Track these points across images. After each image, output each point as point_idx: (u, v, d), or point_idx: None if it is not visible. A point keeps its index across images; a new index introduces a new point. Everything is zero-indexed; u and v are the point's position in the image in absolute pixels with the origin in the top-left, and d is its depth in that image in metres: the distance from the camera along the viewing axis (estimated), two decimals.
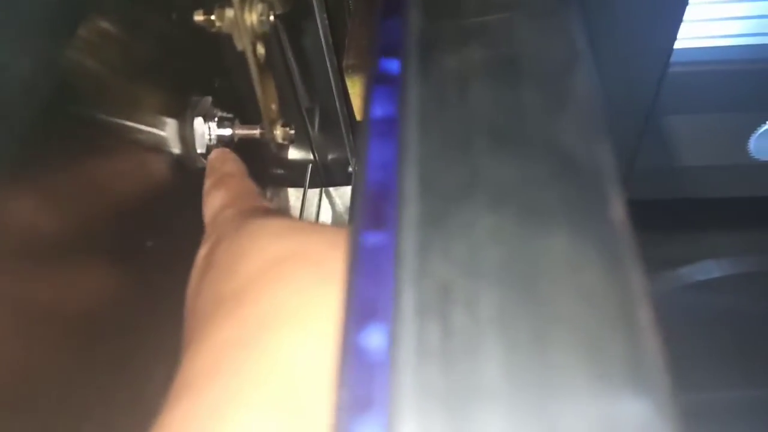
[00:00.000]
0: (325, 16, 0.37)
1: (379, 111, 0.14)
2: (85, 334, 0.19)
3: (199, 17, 0.22)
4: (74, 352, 0.19)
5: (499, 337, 0.10)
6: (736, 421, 0.49)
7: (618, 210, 0.11)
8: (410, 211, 0.11)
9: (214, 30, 0.22)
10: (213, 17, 0.22)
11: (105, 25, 0.20)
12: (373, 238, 0.12)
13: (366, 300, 0.11)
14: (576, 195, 0.11)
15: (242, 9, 0.21)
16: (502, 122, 0.12)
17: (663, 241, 0.57)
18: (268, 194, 0.40)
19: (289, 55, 0.38)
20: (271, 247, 0.16)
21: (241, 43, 0.22)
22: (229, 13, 0.21)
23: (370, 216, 0.12)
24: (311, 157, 0.45)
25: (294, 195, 0.45)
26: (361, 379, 0.11)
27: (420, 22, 0.15)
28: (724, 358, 0.51)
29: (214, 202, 0.22)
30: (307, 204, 0.45)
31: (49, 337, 0.18)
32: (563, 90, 0.12)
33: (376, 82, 0.14)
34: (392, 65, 0.15)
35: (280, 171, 0.44)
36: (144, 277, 0.23)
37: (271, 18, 0.22)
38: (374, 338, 0.11)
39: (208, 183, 0.24)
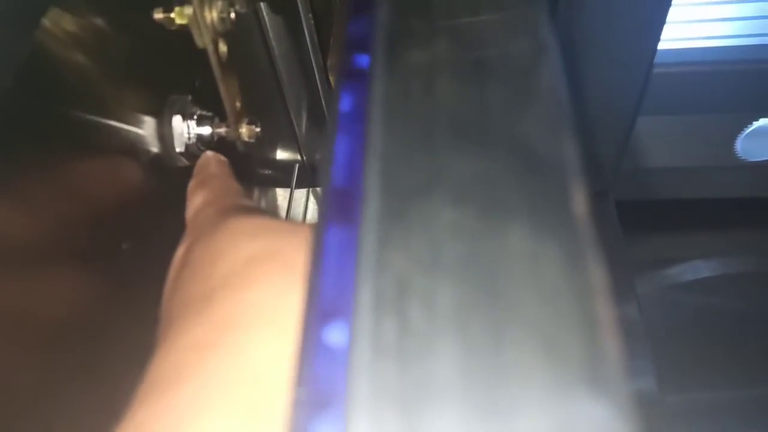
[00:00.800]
0: (310, 15, 0.37)
1: (346, 106, 0.14)
2: (57, 336, 0.19)
3: (158, 15, 0.22)
4: (45, 354, 0.18)
5: (456, 334, 0.10)
6: (724, 421, 0.49)
7: (580, 205, 0.11)
8: (372, 206, 0.11)
9: (174, 28, 0.22)
10: (172, 15, 0.22)
11: (76, 19, 0.20)
12: (337, 234, 0.12)
13: (327, 296, 0.11)
14: (538, 190, 0.11)
15: (201, 7, 0.21)
16: (466, 118, 0.12)
17: (651, 241, 0.57)
18: (256, 194, 0.40)
19: (275, 54, 0.38)
20: (246, 247, 0.16)
21: (202, 41, 0.22)
22: (189, 10, 0.21)
23: (335, 212, 0.12)
24: (298, 157, 0.45)
25: (281, 195, 0.45)
26: (320, 376, 0.11)
27: (389, 18, 0.15)
28: (712, 358, 0.51)
29: (195, 201, 0.22)
30: (294, 204, 0.45)
31: (19, 340, 0.17)
32: (528, 86, 0.12)
33: (345, 78, 0.14)
34: (361, 61, 0.15)
35: (267, 171, 0.43)
36: (119, 279, 0.22)
37: (232, 15, 0.22)
38: (334, 335, 0.11)
39: (192, 183, 0.24)
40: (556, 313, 0.10)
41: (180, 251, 0.20)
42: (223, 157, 0.25)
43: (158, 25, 0.24)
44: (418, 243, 0.11)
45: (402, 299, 0.10)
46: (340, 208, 0.12)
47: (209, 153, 0.25)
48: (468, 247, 0.10)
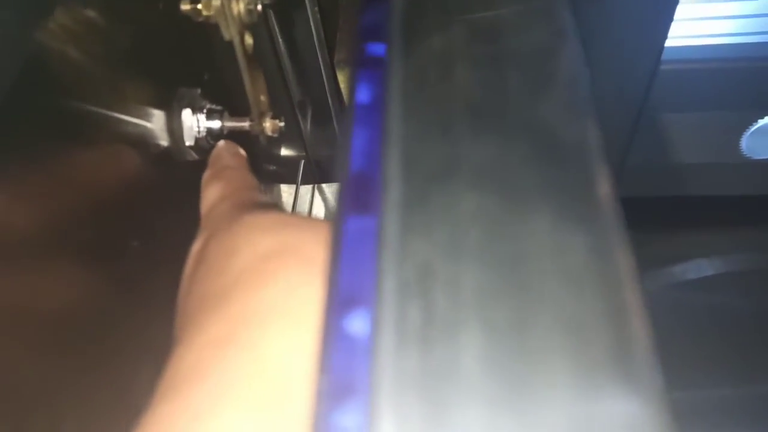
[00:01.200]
0: (316, 9, 0.37)
1: (363, 94, 0.14)
2: (66, 335, 0.19)
3: (185, 6, 0.22)
4: (54, 353, 0.18)
5: (480, 321, 0.09)
6: (727, 419, 0.49)
7: (604, 189, 0.10)
8: (392, 193, 0.11)
9: (200, 19, 0.22)
10: (199, 6, 0.22)
11: (85, 10, 0.19)
12: (357, 223, 0.12)
13: (349, 285, 0.11)
14: (560, 174, 0.11)
15: None
16: (485, 103, 0.12)
17: (655, 239, 0.57)
18: (262, 189, 0.39)
19: (281, 49, 0.38)
20: (262, 243, 0.16)
21: (229, 33, 0.22)
22: (216, 2, 0.21)
23: (354, 200, 0.12)
24: (303, 152, 0.45)
25: (286, 191, 0.45)
26: (343, 365, 0.10)
27: (405, 6, 0.14)
28: (715, 356, 0.51)
29: (210, 195, 0.22)
30: (299, 201, 0.45)
31: (28, 338, 0.17)
32: (548, 71, 0.12)
33: (360, 66, 0.14)
34: (376, 49, 0.14)
35: (272, 167, 0.43)
36: (130, 276, 0.22)
37: (259, 7, 0.22)
38: (357, 323, 0.11)
39: (207, 174, 0.23)
40: (582, 300, 0.10)
41: (196, 246, 0.19)
42: (238, 147, 0.25)
43: (165, 17, 0.23)
44: (441, 230, 0.11)
45: (426, 286, 0.10)
46: (359, 196, 0.12)
47: (222, 143, 0.25)
48: (491, 233, 0.10)
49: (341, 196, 0.12)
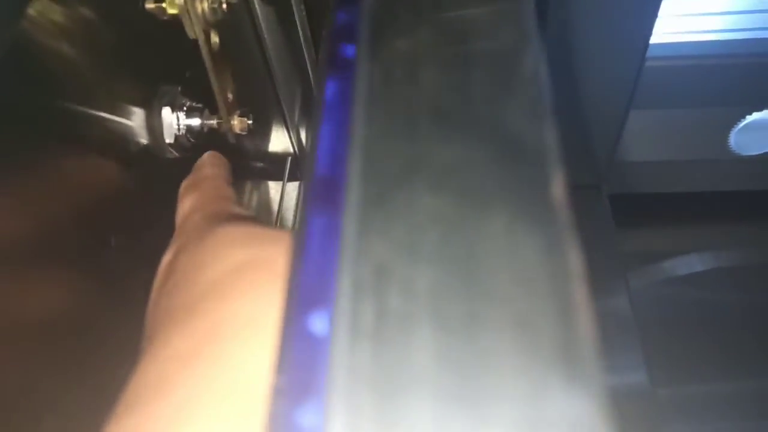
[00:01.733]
0: (302, 7, 0.37)
1: (331, 95, 0.14)
2: (45, 332, 0.19)
3: (150, 5, 0.22)
4: (34, 349, 0.18)
5: (432, 320, 0.10)
6: (716, 413, 0.49)
7: (558, 193, 0.11)
8: (353, 193, 0.11)
9: (165, 18, 0.22)
10: (164, 5, 0.22)
11: (64, 8, 0.19)
12: (320, 221, 0.12)
13: (309, 284, 0.11)
14: (517, 177, 0.11)
15: None
16: (448, 106, 0.12)
17: (645, 235, 0.57)
18: (248, 187, 0.40)
19: (267, 47, 0.38)
20: (232, 256, 0.16)
21: (193, 32, 0.22)
22: (180, 0, 0.21)
23: (318, 199, 0.12)
24: (291, 150, 0.45)
25: (274, 188, 0.45)
26: (300, 363, 0.11)
27: (375, 8, 0.15)
28: (705, 351, 0.51)
29: (185, 205, 0.22)
30: (286, 197, 0.45)
31: (6, 336, 0.17)
32: (510, 74, 0.12)
33: (330, 67, 0.14)
34: (347, 50, 0.15)
35: (259, 164, 0.43)
36: (107, 273, 0.22)
37: (224, 6, 0.22)
38: (315, 322, 0.11)
39: (184, 184, 0.23)
40: (532, 299, 0.10)
41: (166, 258, 0.19)
42: (222, 158, 0.25)
43: (147, 15, 0.23)
44: (398, 229, 0.11)
45: (381, 285, 0.10)
46: (323, 196, 0.12)
47: (206, 154, 0.25)
48: (447, 233, 0.11)
49: (306, 196, 0.13)
